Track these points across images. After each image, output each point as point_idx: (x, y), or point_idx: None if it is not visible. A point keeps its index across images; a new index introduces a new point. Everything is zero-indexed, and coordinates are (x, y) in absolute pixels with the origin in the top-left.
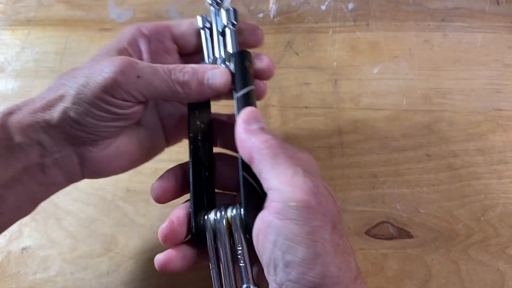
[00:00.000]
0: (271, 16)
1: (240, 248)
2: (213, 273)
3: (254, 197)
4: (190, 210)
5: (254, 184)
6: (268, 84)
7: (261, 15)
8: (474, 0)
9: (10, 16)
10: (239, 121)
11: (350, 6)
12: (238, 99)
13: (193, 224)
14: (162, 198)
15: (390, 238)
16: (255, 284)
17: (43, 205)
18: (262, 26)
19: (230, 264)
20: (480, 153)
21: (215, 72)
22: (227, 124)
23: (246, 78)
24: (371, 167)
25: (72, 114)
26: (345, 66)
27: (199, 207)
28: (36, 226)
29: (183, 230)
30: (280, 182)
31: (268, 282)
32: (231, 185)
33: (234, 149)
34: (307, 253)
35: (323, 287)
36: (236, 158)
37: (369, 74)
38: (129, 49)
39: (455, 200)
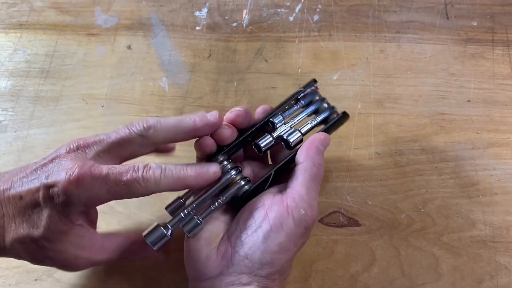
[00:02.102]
0: (244, 25)
1: (220, 202)
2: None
3: (264, 185)
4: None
5: (271, 180)
6: (239, 87)
7: (234, 24)
8: (426, 14)
9: (4, 20)
10: (320, 137)
11: (316, 17)
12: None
13: (217, 157)
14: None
15: (341, 226)
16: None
17: None
18: (236, 35)
19: (208, 198)
20: (423, 152)
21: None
22: None
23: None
24: (327, 163)
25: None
26: (309, 72)
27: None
28: None
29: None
30: (305, 195)
31: (231, 239)
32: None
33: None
34: (285, 243)
35: (267, 273)
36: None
37: (329, 80)
38: None
39: (399, 193)
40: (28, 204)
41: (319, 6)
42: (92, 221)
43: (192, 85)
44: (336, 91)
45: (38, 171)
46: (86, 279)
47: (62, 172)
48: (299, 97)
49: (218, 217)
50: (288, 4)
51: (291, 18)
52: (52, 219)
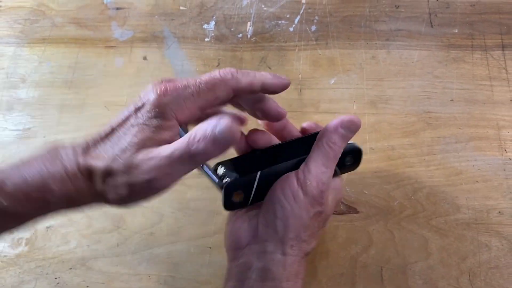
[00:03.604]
0: (249, 36)
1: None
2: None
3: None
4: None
5: None
6: None
7: (240, 35)
8: (412, 23)
9: (28, 35)
10: (344, 119)
11: (313, 28)
12: None
13: None
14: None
15: (341, 213)
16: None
17: None
18: (241, 45)
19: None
20: (413, 147)
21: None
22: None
23: None
24: None
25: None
26: (308, 78)
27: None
28: None
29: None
30: (312, 168)
31: (259, 213)
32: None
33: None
34: (296, 210)
35: (284, 238)
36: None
37: (326, 84)
38: None
39: (392, 183)
40: (121, 132)
41: (316, 17)
42: None
43: None
44: (333, 94)
45: (125, 109)
46: (115, 266)
47: (149, 93)
48: None
49: None
50: (288, 16)
51: (291, 29)
52: (142, 133)
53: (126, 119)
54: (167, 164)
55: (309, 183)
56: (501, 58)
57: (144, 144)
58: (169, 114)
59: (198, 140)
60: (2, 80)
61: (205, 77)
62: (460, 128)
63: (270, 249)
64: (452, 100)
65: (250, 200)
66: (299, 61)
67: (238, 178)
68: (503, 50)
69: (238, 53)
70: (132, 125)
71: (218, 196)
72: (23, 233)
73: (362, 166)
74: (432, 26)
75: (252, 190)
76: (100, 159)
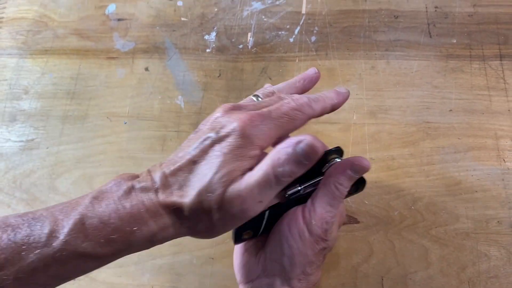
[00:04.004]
0: (249, 47)
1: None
2: None
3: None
4: None
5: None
6: None
7: (241, 46)
8: (411, 33)
9: (30, 47)
10: (353, 161)
11: (313, 38)
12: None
13: None
14: None
15: (342, 223)
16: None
17: None
18: (242, 56)
19: None
20: (412, 156)
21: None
22: None
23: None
24: None
25: None
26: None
27: None
28: None
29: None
30: (317, 208)
31: (266, 247)
32: None
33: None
34: (302, 249)
35: (291, 274)
36: None
37: None
38: None
39: (392, 193)
40: (204, 162)
41: (316, 28)
42: None
43: (206, 102)
44: None
45: (201, 137)
46: (118, 277)
47: (233, 122)
48: (323, 170)
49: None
50: (288, 27)
51: (291, 40)
52: (230, 164)
53: (206, 148)
54: (257, 193)
55: (314, 223)
56: (499, 68)
57: (231, 176)
58: (255, 144)
59: (283, 163)
60: (5, 91)
61: (285, 107)
62: (459, 138)
63: (279, 284)
64: (451, 110)
65: (259, 234)
66: (300, 71)
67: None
68: (501, 60)
69: (239, 64)
70: (217, 156)
71: None
72: None
73: None
74: (430, 36)
75: (260, 228)
76: (186, 196)
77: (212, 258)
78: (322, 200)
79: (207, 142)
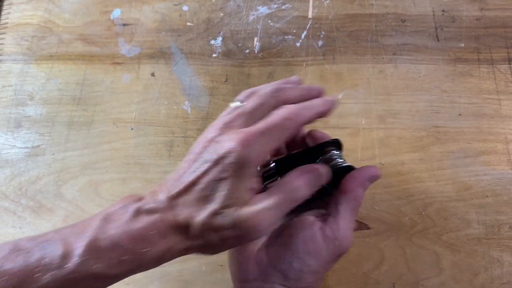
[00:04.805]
0: (256, 51)
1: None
2: None
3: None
4: None
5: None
6: None
7: (247, 50)
8: (419, 37)
9: (35, 52)
10: (370, 172)
11: (320, 43)
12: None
13: None
14: None
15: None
16: None
17: (71, 209)
18: (249, 60)
19: None
20: (422, 161)
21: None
22: None
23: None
24: None
25: None
26: None
27: None
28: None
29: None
30: (342, 226)
31: (269, 251)
32: None
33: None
34: (315, 267)
35: (295, 286)
36: None
37: None
38: None
39: (403, 199)
40: (204, 185)
41: (323, 32)
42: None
43: (212, 107)
44: (342, 109)
45: (197, 160)
46: (126, 285)
47: (228, 142)
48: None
49: None
50: (294, 31)
51: (298, 44)
52: (234, 186)
53: (206, 172)
54: (273, 214)
55: (337, 243)
56: (508, 72)
57: (235, 196)
58: (254, 163)
59: (299, 187)
60: (10, 97)
61: (275, 118)
62: (469, 143)
63: None
64: (460, 115)
65: None
66: (307, 76)
67: None
68: (509, 64)
69: (246, 69)
70: (220, 179)
71: None
72: None
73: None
74: (438, 40)
75: None
76: (194, 216)
77: (221, 266)
78: (346, 217)
79: (206, 165)
